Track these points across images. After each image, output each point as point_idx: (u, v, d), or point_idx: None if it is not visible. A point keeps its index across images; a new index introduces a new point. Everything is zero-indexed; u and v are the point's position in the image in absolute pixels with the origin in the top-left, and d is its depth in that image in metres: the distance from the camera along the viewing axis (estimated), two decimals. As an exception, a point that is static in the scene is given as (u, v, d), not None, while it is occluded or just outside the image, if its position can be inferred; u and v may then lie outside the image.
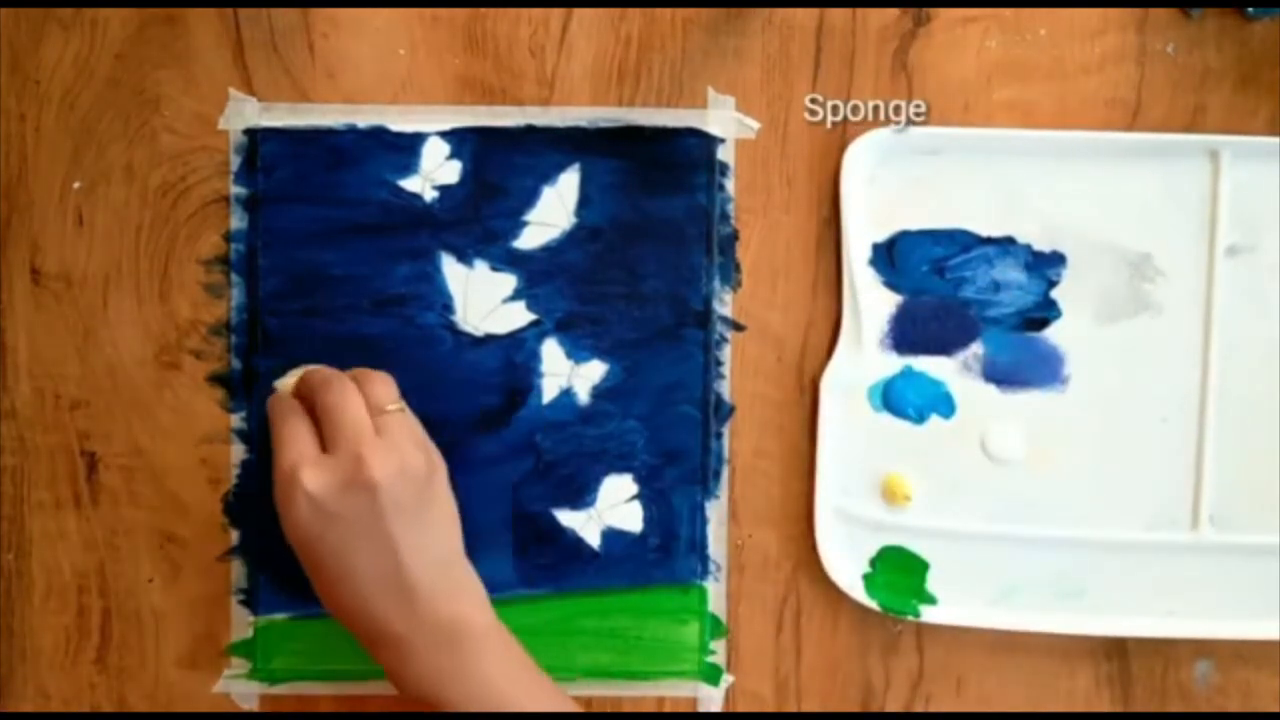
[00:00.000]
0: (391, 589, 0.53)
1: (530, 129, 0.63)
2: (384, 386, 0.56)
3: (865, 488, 0.64)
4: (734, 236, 0.63)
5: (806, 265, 0.64)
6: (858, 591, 0.63)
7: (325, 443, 0.54)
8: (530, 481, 0.63)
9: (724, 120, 0.63)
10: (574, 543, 0.64)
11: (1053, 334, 0.63)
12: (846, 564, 0.64)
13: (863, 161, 0.62)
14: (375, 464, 0.52)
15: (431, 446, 0.57)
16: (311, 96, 0.63)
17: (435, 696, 0.54)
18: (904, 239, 0.63)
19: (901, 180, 0.63)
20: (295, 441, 0.54)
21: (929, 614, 0.63)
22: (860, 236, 0.63)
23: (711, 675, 0.64)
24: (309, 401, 0.55)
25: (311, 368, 0.58)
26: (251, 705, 0.64)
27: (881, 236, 0.63)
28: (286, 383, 0.58)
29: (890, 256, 0.63)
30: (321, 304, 0.63)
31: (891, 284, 0.63)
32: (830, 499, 0.63)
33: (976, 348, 0.63)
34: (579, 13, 0.63)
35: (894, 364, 0.63)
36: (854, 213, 0.62)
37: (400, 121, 0.63)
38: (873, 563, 0.64)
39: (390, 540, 0.53)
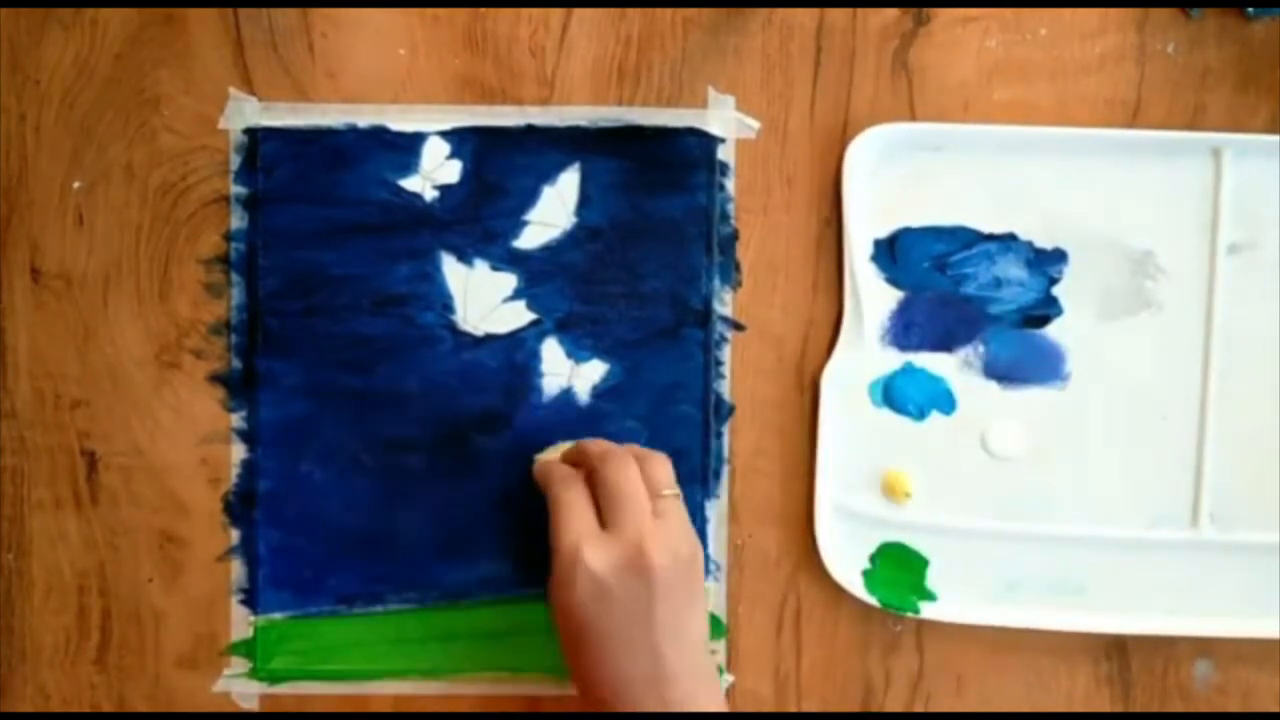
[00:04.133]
0: (647, 672, 0.54)
1: (530, 129, 0.63)
2: (663, 468, 0.57)
3: (865, 484, 0.64)
4: (734, 236, 0.63)
5: (806, 265, 0.64)
6: (857, 588, 0.63)
7: (604, 517, 0.55)
8: (531, 481, 0.63)
9: (724, 120, 0.63)
10: (574, 542, 0.64)
11: (1054, 331, 0.63)
12: (846, 560, 0.64)
13: (865, 157, 0.62)
14: (655, 550, 0.54)
15: (694, 533, 0.57)
16: (311, 96, 0.63)
17: None
18: (905, 235, 0.63)
19: (903, 176, 0.63)
20: (578, 516, 0.55)
21: (929, 610, 0.63)
22: (861, 233, 0.63)
23: (712, 675, 0.64)
24: (585, 470, 0.57)
25: (582, 441, 0.59)
26: (251, 705, 0.64)
27: (883, 233, 0.63)
28: (551, 454, 0.60)
29: (891, 253, 0.63)
30: (321, 303, 0.63)
31: (893, 280, 0.63)
32: (830, 495, 0.63)
33: (978, 344, 0.63)
34: (579, 12, 0.63)
35: (895, 360, 0.63)
36: (855, 209, 0.62)
37: (400, 121, 0.63)
38: (873, 559, 0.64)
39: (656, 625, 0.54)
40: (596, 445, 0.58)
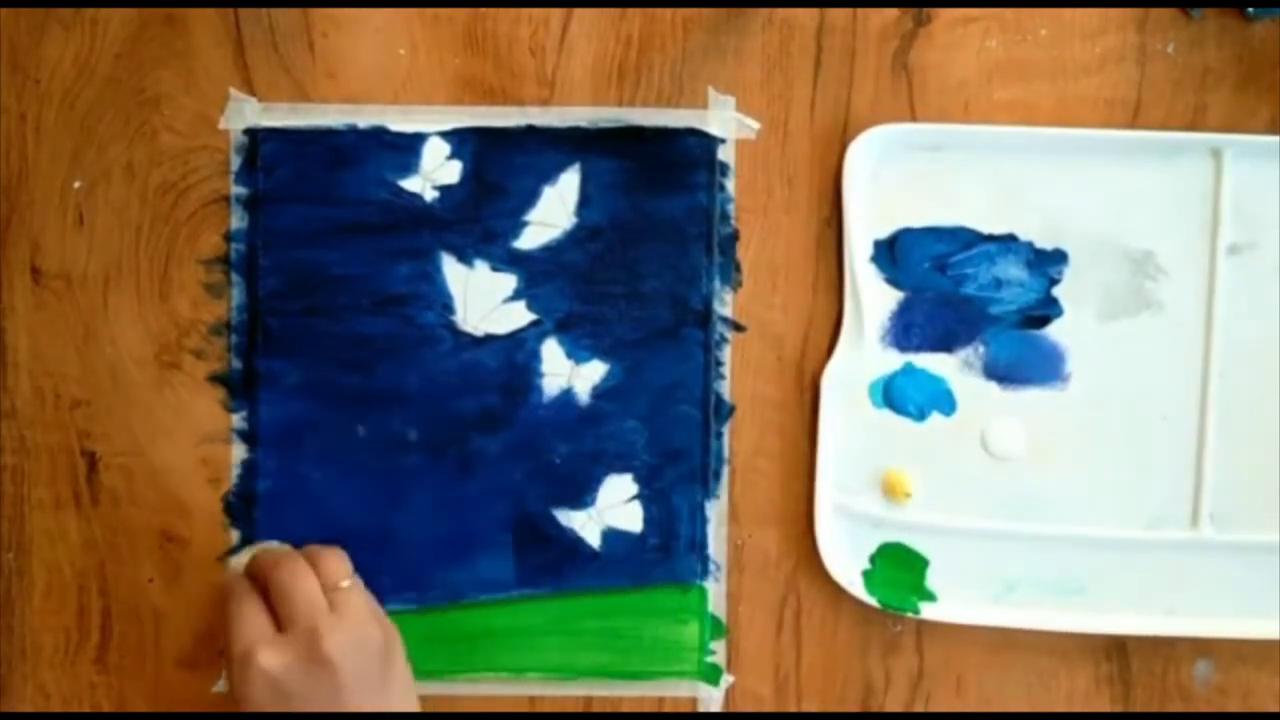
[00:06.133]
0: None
1: (530, 129, 0.63)
2: (336, 561, 0.55)
3: (865, 484, 0.64)
4: (734, 236, 0.63)
5: (807, 265, 0.64)
6: (857, 588, 0.63)
7: (280, 622, 0.53)
8: (530, 481, 0.63)
9: (724, 120, 0.63)
10: (574, 543, 0.64)
11: (1054, 331, 0.63)
12: (846, 560, 0.64)
13: (865, 157, 0.62)
14: (332, 641, 0.52)
15: (386, 618, 0.55)
16: (312, 96, 0.63)
17: None
18: (905, 236, 0.63)
19: (903, 177, 0.63)
20: (248, 621, 0.53)
21: (928, 611, 0.63)
22: (862, 233, 0.63)
23: (711, 675, 0.64)
24: (261, 582, 0.54)
25: (264, 546, 0.58)
26: (251, 705, 0.64)
27: (883, 233, 0.63)
28: (240, 560, 0.57)
29: (892, 253, 0.63)
30: (322, 303, 0.63)
31: (893, 281, 0.63)
32: (830, 495, 0.63)
33: (978, 345, 0.63)
34: (579, 12, 0.63)
35: (895, 361, 0.63)
36: (856, 209, 0.62)
37: (400, 121, 0.63)
38: (872, 559, 0.64)
39: (352, 712, 0.52)
40: (269, 554, 0.55)
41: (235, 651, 0.52)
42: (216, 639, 0.64)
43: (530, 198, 0.63)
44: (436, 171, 0.63)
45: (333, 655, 0.51)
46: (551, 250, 0.63)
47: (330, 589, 0.54)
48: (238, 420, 0.63)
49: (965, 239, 0.63)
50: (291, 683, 0.51)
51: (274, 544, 0.58)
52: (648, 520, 0.64)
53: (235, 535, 0.63)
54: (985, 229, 0.63)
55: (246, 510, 0.63)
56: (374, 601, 0.55)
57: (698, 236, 0.63)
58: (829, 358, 0.63)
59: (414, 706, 0.55)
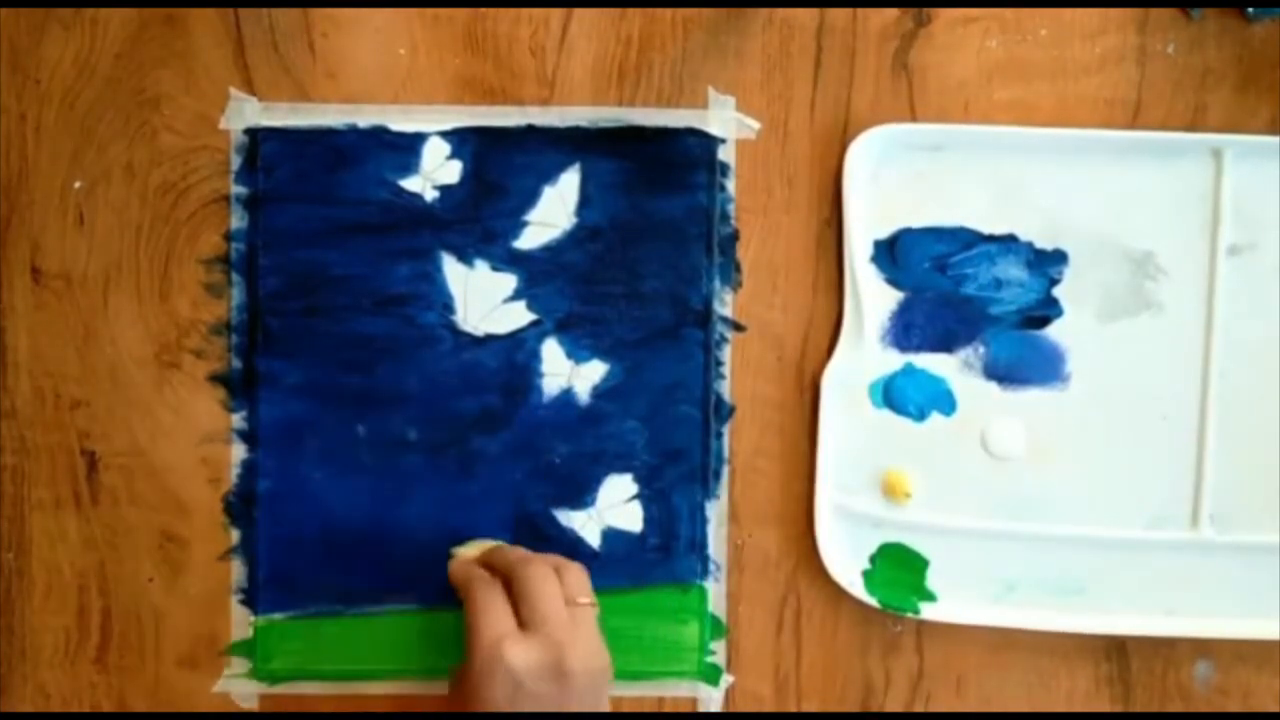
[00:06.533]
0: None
1: (530, 129, 0.63)
2: (580, 577, 0.57)
3: (866, 484, 0.64)
4: (734, 236, 0.63)
5: (807, 265, 0.64)
6: (857, 589, 0.63)
7: (522, 621, 0.55)
8: (530, 481, 0.63)
9: (724, 120, 0.63)
10: (574, 542, 0.64)
11: (1054, 332, 0.63)
12: (846, 560, 0.64)
13: (865, 158, 0.62)
14: (576, 655, 0.54)
15: (606, 648, 0.57)
16: (312, 96, 0.63)
17: None
18: (906, 236, 0.63)
19: (903, 177, 0.63)
20: (498, 614, 0.55)
21: (928, 611, 0.63)
22: (862, 233, 0.63)
23: (711, 675, 0.64)
24: (501, 575, 0.57)
25: (499, 544, 0.60)
26: (251, 705, 0.64)
27: (883, 233, 0.63)
28: (468, 551, 0.60)
29: (892, 253, 0.63)
30: (322, 303, 0.63)
31: (893, 281, 0.63)
32: (830, 495, 0.63)
33: (978, 345, 0.63)
34: (579, 12, 0.63)
35: (895, 361, 0.63)
36: (856, 209, 0.62)
37: (401, 121, 0.63)
38: (872, 559, 0.64)
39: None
40: (515, 552, 0.58)
41: (484, 638, 0.54)
42: (217, 638, 0.64)
43: (530, 198, 0.63)
44: (437, 171, 0.63)
45: (574, 669, 0.54)
46: (552, 250, 0.63)
47: (570, 602, 0.56)
48: (238, 420, 0.63)
49: (965, 239, 0.63)
50: (532, 684, 0.53)
51: (516, 546, 0.60)
52: (648, 520, 0.64)
53: (235, 535, 0.63)
54: (985, 229, 0.63)
55: (246, 510, 0.63)
56: (598, 626, 0.57)
57: (698, 236, 0.63)
58: (829, 358, 0.63)
59: None
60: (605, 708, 0.56)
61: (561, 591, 0.56)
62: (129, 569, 0.64)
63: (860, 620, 0.64)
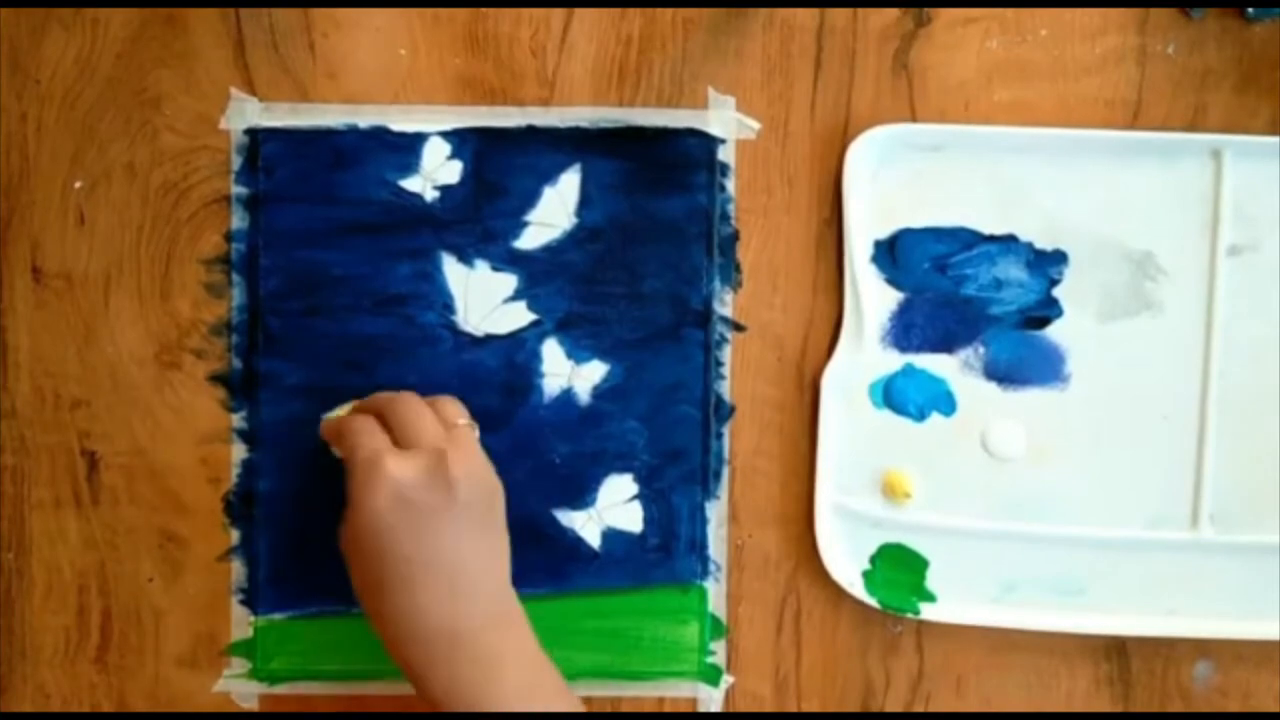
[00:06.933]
0: (447, 585, 0.53)
1: (531, 129, 0.63)
2: (453, 405, 0.57)
3: (866, 485, 0.64)
4: (734, 237, 0.63)
5: (807, 265, 0.64)
6: (857, 589, 0.63)
7: (399, 444, 0.55)
8: (530, 481, 0.63)
9: (724, 120, 0.63)
10: (574, 543, 0.64)
11: (1054, 332, 0.63)
12: (846, 561, 0.64)
13: (865, 158, 0.62)
14: (457, 461, 0.54)
15: (493, 470, 0.57)
16: (312, 96, 0.63)
17: (450, 701, 0.53)
18: (906, 236, 0.63)
19: (903, 177, 0.63)
20: (373, 435, 0.55)
21: (928, 611, 0.63)
22: (862, 233, 0.63)
23: (711, 675, 0.64)
24: (375, 414, 0.56)
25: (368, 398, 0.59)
26: (251, 705, 0.64)
27: (883, 233, 0.63)
28: (338, 413, 0.59)
29: (892, 254, 0.63)
30: (322, 304, 0.63)
31: (893, 281, 0.63)
32: (830, 496, 0.63)
33: (978, 345, 0.63)
34: (580, 13, 0.63)
35: (895, 361, 0.63)
36: (856, 209, 0.62)
37: (401, 121, 0.63)
38: (873, 560, 0.64)
39: (458, 538, 0.53)
40: (383, 394, 0.58)
41: (361, 456, 0.54)
42: (217, 638, 0.64)
43: (530, 198, 0.63)
44: (437, 171, 0.63)
45: (457, 476, 0.53)
46: (552, 250, 0.63)
47: (448, 426, 0.56)
48: (238, 420, 0.63)
49: (965, 239, 0.63)
50: (414, 492, 0.53)
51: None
52: (648, 520, 0.64)
53: (235, 535, 0.63)
54: (985, 229, 0.63)
55: (246, 510, 0.63)
56: (482, 449, 0.57)
57: (698, 237, 0.63)
58: (829, 358, 0.63)
59: (506, 553, 0.56)
60: (498, 525, 0.56)
61: (435, 417, 0.55)
62: (129, 569, 0.64)
63: (860, 620, 0.64)
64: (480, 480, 0.55)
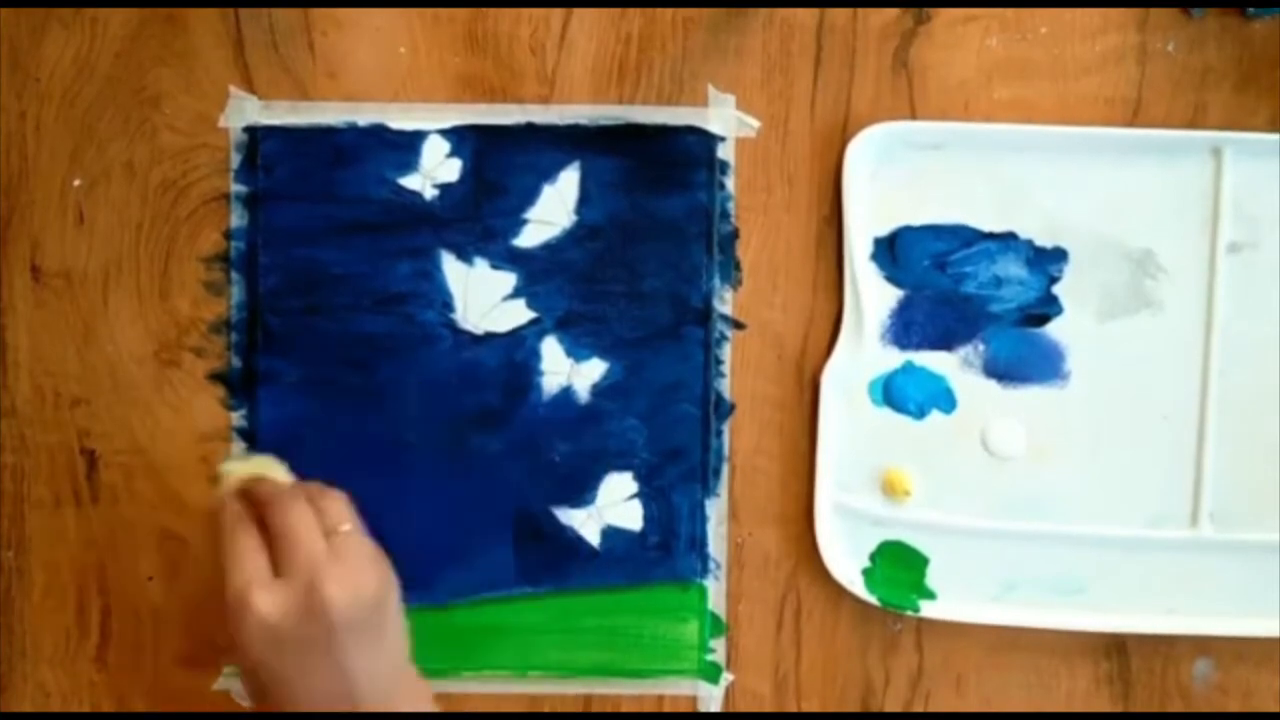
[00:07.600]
0: (336, 699, 0.51)
1: (530, 127, 0.63)
2: (337, 505, 0.54)
3: (865, 482, 0.64)
4: (734, 235, 0.63)
5: (807, 263, 0.64)
6: (857, 586, 0.63)
7: (276, 564, 0.52)
8: (530, 480, 0.63)
9: (724, 118, 0.63)
10: (574, 541, 0.64)
11: (1054, 330, 0.63)
12: (846, 558, 0.64)
13: (865, 156, 0.62)
14: (331, 592, 0.50)
15: (385, 562, 0.54)
16: (312, 95, 0.63)
17: None
18: (905, 234, 0.63)
19: (903, 175, 0.63)
20: (245, 560, 0.51)
21: (928, 609, 0.63)
22: (862, 231, 0.63)
23: (711, 673, 0.64)
24: (258, 513, 0.53)
25: (261, 470, 0.55)
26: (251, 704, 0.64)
27: (883, 231, 0.63)
28: (233, 472, 0.55)
29: (892, 251, 0.63)
30: (322, 302, 0.63)
31: (893, 279, 0.63)
32: (830, 494, 0.63)
33: (978, 343, 0.63)
34: (579, 11, 0.63)
35: (895, 359, 0.63)
36: (856, 207, 0.62)
37: (400, 119, 0.63)
38: (872, 557, 0.64)
39: (344, 667, 0.51)
40: (268, 488, 0.54)
41: (230, 591, 0.51)
42: (217, 638, 0.63)
43: (530, 196, 0.63)
44: (436, 169, 0.63)
45: (330, 604, 0.50)
46: (551, 248, 0.63)
47: (330, 533, 0.52)
48: (237, 419, 0.63)
49: (965, 237, 0.63)
50: (286, 629, 0.50)
51: (272, 459, 0.56)
52: (648, 518, 0.64)
53: (235, 534, 0.63)
54: (985, 227, 0.63)
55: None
56: (372, 545, 0.54)
57: (698, 235, 0.63)
58: (829, 356, 0.63)
59: (405, 654, 0.54)
60: (390, 624, 0.53)
61: (318, 523, 0.52)
62: (128, 567, 0.64)
63: (860, 619, 0.64)
64: (361, 596, 0.51)
